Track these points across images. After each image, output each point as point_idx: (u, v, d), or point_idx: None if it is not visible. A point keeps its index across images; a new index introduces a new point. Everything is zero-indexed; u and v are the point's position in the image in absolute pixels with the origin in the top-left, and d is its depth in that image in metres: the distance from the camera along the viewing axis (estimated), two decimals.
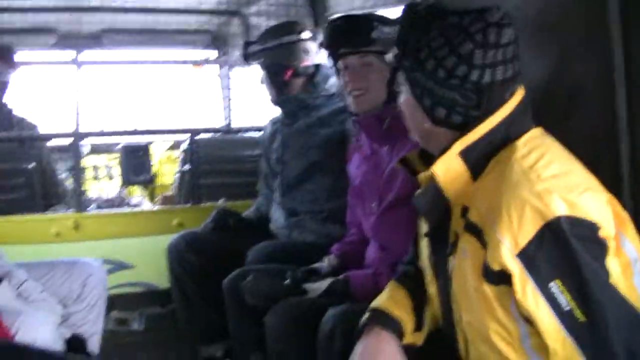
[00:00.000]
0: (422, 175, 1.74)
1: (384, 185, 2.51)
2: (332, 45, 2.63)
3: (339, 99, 3.17)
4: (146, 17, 4.76)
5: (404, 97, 1.80)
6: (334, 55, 2.62)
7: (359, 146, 2.76)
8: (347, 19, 2.66)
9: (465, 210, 1.65)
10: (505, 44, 1.66)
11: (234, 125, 4.95)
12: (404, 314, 1.87)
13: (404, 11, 1.80)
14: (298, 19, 3.64)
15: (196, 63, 5.40)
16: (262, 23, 4.44)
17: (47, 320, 2.41)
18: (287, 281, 2.59)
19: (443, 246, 1.74)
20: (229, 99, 5.16)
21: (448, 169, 1.66)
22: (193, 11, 4.79)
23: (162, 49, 5.35)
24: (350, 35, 2.56)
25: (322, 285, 2.57)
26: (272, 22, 4.05)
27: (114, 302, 3.54)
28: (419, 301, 1.90)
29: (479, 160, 1.66)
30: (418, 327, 1.89)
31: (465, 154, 1.66)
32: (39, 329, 2.33)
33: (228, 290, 2.90)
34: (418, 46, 1.71)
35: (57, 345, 2.44)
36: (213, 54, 5.40)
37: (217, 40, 5.33)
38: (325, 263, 2.74)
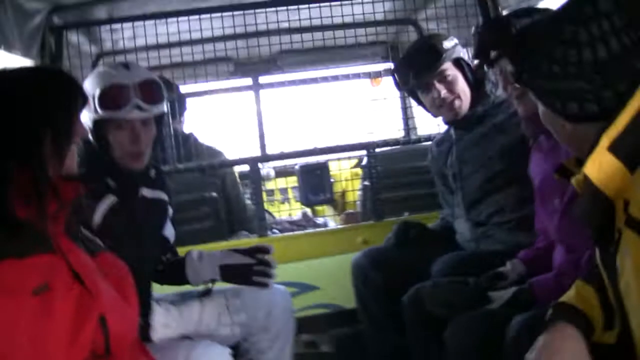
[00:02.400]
0: (575, 180, 1.60)
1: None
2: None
3: (507, 105, 2.97)
4: (319, 36, 4.74)
5: (540, 110, 1.70)
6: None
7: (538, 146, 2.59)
8: (490, 20, 2.52)
9: (626, 205, 1.47)
10: (607, 12, 1.51)
11: (414, 135, 4.83)
12: (592, 311, 1.72)
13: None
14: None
15: (374, 76, 5.33)
16: (434, 28, 4.31)
17: (223, 351, 2.38)
18: (470, 285, 2.47)
19: (610, 246, 1.57)
20: (406, 109, 5.05)
21: (600, 167, 1.50)
22: (364, 24, 4.70)
23: (338, 66, 5.33)
24: (490, 38, 2.46)
25: (506, 294, 2.41)
26: (444, 26, 3.93)
27: (301, 325, 3.49)
28: (608, 299, 1.71)
29: (634, 150, 1.48)
30: (608, 325, 1.71)
31: (615, 147, 1.49)
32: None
33: (407, 306, 2.78)
34: (526, 54, 1.62)
35: None
36: (390, 65, 5.30)
37: (392, 51, 5.25)
38: (509, 267, 2.56)
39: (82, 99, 1.93)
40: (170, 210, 2.76)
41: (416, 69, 3.06)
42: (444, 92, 3.04)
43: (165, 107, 2.58)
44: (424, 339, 2.74)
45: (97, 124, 2.47)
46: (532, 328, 1.96)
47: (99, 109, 2.44)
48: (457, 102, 3.06)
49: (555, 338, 1.66)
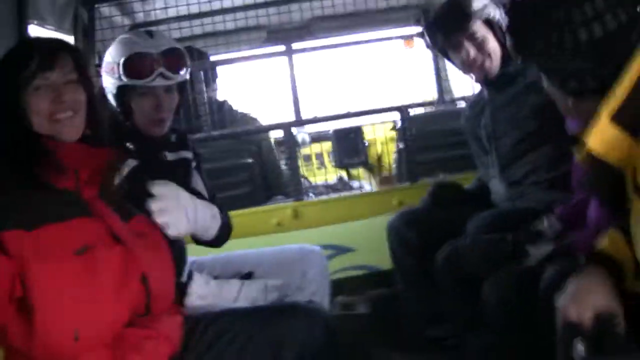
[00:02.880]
0: (579, 157, 1.60)
1: None
2: None
3: None
4: (351, 0, 4.73)
5: (544, 84, 1.71)
6: None
7: None
8: None
9: (635, 173, 1.49)
10: None
11: (448, 97, 4.81)
12: (623, 258, 1.70)
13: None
14: None
15: (406, 39, 5.30)
16: None
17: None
18: (508, 241, 2.46)
19: (626, 215, 1.58)
20: (439, 71, 5.02)
21: (602, 139, 1.50)
22: None
23: (370, 31, 5.30)
24: None
25: (544, 250, 2.40)
26: None
27: (338, 287, 3.53)
28: None
29: (636, 118, 1.47)
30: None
31: (617, 118, 1.48)
32: None
33: (441, 264, 2.79)
34: (522, 34, 1.63)
35: None
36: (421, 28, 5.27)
37: (425, 14, 5.20)
38: (545, 223, 2.55)
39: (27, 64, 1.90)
40: (195, 165, 2.77)
41: (445, 30, 3.04)
42: (473, 52, 3.02)
43: (188, 74, 2.62)
44: (458, 296, 2.75)
45: (120, 90, 2.53)
46: (564, 277, 1.96)
47: (123, 77, 2.49)
48: (487, 62, 3.03)
49: (585, 281, 1.66)
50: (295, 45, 5.17)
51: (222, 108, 4.49)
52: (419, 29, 5.25)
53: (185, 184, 2.65)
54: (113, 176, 2.01)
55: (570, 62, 1.55)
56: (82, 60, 2.00)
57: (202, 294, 2.37)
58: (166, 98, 2.55)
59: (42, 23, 3.02)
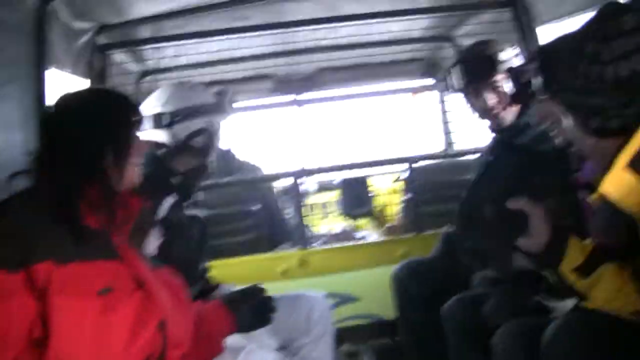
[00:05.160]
0: (592, 198, 1.62)
1: None
2: None
3: None
4: (358, 52, 4.78)
5: (564, 123, 1.72)
6: None
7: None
8: None
9: None
10: (632, 29, 1.53)
11: (455, 149, 4.84)
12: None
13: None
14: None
15: (413, 91, 5.36)
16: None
17: (269, 356, 2.43)
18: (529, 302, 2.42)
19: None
20: (447, 124, 5.06)
21: (619, 185, 1.52)
22: (403, 41, 4.72)
23: (377, 83, 5.36)
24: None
25: (566, 305, 2.38)
26: None
27: (343, 336, 3.52)
28: None
29: None
30: None
31: (634, 164, 1.50)
32: None
33: (447, 317, 2.78)
34: (552, 67, 1.65)
35: None
36: (429, 81, 5.32)
37: (431, 67, 5.26)
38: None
39: (139, 119, 2.09)
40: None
41: (469, 76, 3.03)
42: (492, 101, 3.01)
43: None
44: (465, 351, 2.73)
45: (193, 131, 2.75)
46: (568, 330, 1.96)
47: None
48: (503, 112, 3.03)
49: None
50: (303, 96, 5.22)
51: (225, 156, 4.53)
52: (425, 81, 5.32)
53: (202, 242, 2.74)
54: (144, 224, 2.11)
55: (594, 97, 1.56)
56: None
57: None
58: None
59: (60, 67, 3.08)
